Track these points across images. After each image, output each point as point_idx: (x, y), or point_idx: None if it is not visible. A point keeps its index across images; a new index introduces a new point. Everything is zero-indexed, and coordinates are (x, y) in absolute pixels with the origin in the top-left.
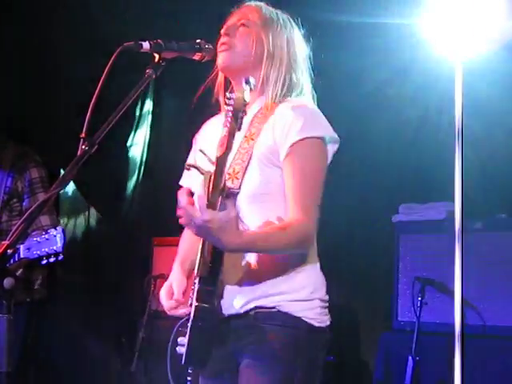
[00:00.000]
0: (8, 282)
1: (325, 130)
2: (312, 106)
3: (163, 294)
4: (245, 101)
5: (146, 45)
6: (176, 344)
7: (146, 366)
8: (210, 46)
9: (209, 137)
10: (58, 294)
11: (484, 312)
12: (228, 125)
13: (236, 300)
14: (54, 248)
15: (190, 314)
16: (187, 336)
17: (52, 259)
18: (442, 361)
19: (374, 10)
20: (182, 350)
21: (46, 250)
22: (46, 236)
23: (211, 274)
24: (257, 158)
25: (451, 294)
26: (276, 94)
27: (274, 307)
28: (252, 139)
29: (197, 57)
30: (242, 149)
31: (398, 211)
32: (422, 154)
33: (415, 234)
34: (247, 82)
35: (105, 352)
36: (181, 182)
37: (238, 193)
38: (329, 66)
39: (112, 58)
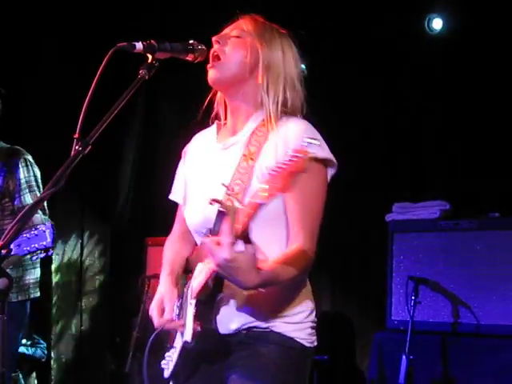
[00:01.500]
0: (2, 282)
1: (327, 153)
2: (311, 127)
3: (154, 309)
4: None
5: (139, 45)
6: (152, 352)
7: (140, 366)
8: (203, 47)
9: (197, 148)
10: (51, 294)
11: (478, 311)
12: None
13: (232, 323)
14: (44, 243)
15: (176, 330)
16: (177, 354)
17: (42, 255)
18: (435, 359)
19: None
20: (167, 365)
21: (36, 245)
22: (36, 232)
23: (210, 299)
24: (259, 179)
25: (445, 293)
26: (275, 110)
27: (267, 327)
28: (252, 159)
29: (190, 58)
30: (242, 168)
31: (392, 210)
32: (417, 153)
33: (409, 232)
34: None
35: (99, 352)
36: (171, 197)
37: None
38: (325, 68)
39: (105, 59)
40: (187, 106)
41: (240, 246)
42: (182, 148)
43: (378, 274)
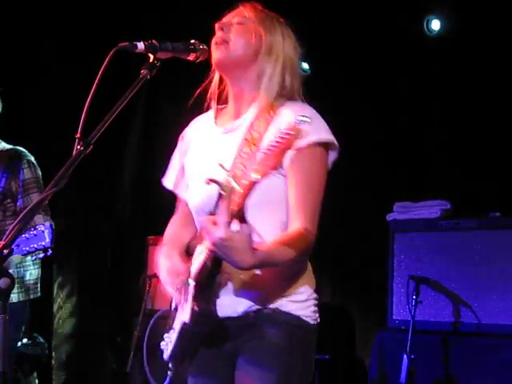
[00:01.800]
0: (4, 282)
1: (328, 135)
2: (312, 110)
3: (166, 272)
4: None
5: (140, 45)
6: (152, 336)
7: (142, 365)
8: (205, 47)
9: (196, 133)
10: (52, 293)
11: (479, 310)
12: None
13: (236, 304)
14: (43, 243)
15: (175, 307)
16: (176, 336)
17: (41, 255)
18: (436, 359)
19: None
20: (166, 346)
21: (35, 245)
22: (34, 232)
23: (209, 280)
24: None
25: (446, 292)
26: (271, 92)
27: (275, 307)
28: (254, 144)
29: (191, 57)
30: (244, 153)
31: (393, 209)
32: (417, 153)
33: (410, 232)
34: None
35: (100, 351)
36: (164, 182)
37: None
38: (324, 69)
39: (107, 59)
40: (190, 107)
41: (235, 225)
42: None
43: (378, 273)
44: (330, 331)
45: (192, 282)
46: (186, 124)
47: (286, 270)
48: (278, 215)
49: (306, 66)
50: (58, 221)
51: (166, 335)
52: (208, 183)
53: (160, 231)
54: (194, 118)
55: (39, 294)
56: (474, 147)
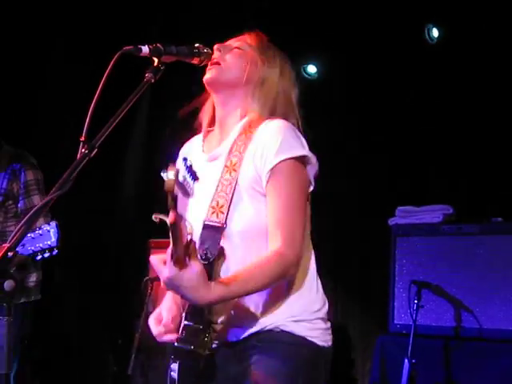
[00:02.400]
0: (8, 284)
1: (302, 149)
2: (288, 125)
3: (152, 320)
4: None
5: (145, 49)
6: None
7: (143, 368)
8: (209, 51)
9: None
10: (54, 295)
11: (480, 315)
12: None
13: (235, 329)
14: (49, 243)
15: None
16: (177, 368)
17: (47, 254)
18: (438, 363)
19: None
20: (174, 375)
21: (41, 245)
22: (40, 232)
23: (197, 311)
24: (244, 190)
25: (447, 297)
26: (253, 122)
27: (277, 328)
28: (234, 170)
29: (195, 61)
30: (225, 180)
31: (395, 214)
32: (420, 157)
33: (411, 236)
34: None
35: (101, 353)
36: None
37: (223, 228)
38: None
39: (112, 62)
40: (187, 112)
41: (186, 262)
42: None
43: (380, 277)
44: (332, 335)
45: (183, 314)
46: (190, 127)
47: (282, 290)
48: (266, 243)
49: (313, 69)
50: (59, 223)
51: (172, 365)
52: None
53: (162, 234)
54: (195, 122)
55: (40, 296)
56: (477, 152)
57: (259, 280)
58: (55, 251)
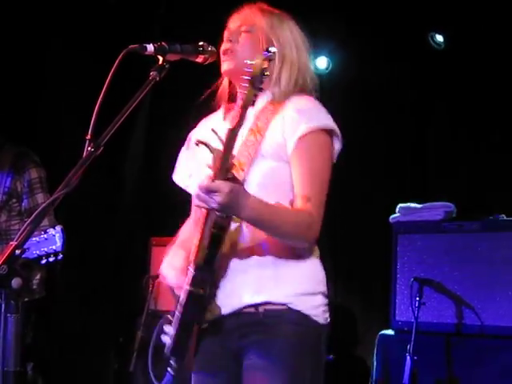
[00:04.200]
0: (16, 281)
1: (329, 122)
2: (316, 101)
3: (166, 267)
4: (264, 69)
5: (150, 47)
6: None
7: (145, 365)
8: (213, 49)
9: (204, 129)
10: (55, 293)
11: (482, 312)
12: (244, 96)
13: (241, 296)
14: (54, 247)
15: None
16: (174, 326)
17: (51, 259)
18: (439, 360)
19: None
20: (166, 339)
21: (45, 249)
22: (45, 236)
23: (207, 262)
24: (266, 153)
25: (449, 294)
26: (285, 94)
27: (284, 304)
28: (260, 133)
29: (200, 59)
30: (248, 141)
31: (396, 211)
32: (421, 155)
33: (413, 234)
34: (268, 51)
35: (103, 351)
36: (174, 178)
37: (242, 184)
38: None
39: (117, 61)
40: (192, 101)
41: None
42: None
43: (381, 274)
44: (333, 332)
45: (191, 267)
46: (192, 123)
47: (289, 256)
48: (283, 200)
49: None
50: (60, 220)
51: (165, 328)
52: (197, 145)
53: (163, 232)
54: (199, 117)
55: (44, 293)
56: (479, 149)
57: (288, 219)
58: (60, 256)
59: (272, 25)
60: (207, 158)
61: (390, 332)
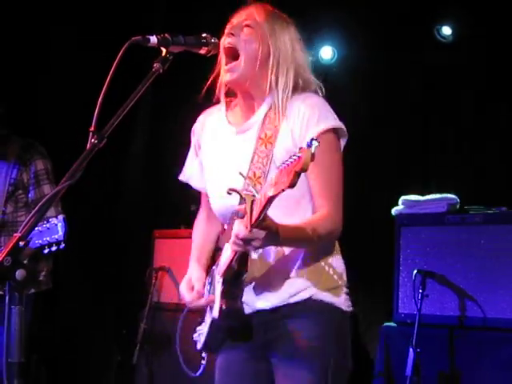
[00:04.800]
0: (20, 273)
1: (337, 121)
2: (320, 98)
3: (184, 287)
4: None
5: (153, 39)
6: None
7: (148, 357)
8: (216, 40)
9: (208, 129)
10: (58, 285)
11: (484, 304)
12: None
13: (266, 297)
14: (56, 237)
15: (207, 307)
16: (207, 329)
17: (54, 248)
18: (442, 352)
19: None
20: (198, 337)
21: (48, 239)
22: (48, 225)
23: (235, 279)
24: (279, 161)
25: (452, 286)
26: (286, 98)
27: (307, 297)
28: (270, 142)
29: (203, 51)
30: (260, 152)
31: (399, 203)
32: (424, 147)
33: (416, 226)
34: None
35: (106, 343)
36: (180, 178)
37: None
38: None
39: (120, 53)
40: (197, 99)
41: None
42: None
43: (385, 267)
44: None
45: (220, 280)
46: (194, 117)
47: (311, 258)
48: (300, 212)
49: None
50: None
51: (198, 328)
52: (229, 193)
53: (166, 225)
54: (201, 112)
55: (51, 285)
56: (482, 142)
57: (315, 235)
58: (62, 245)
59: (273, 27)
60: (222, 175)
61: (392, 324)
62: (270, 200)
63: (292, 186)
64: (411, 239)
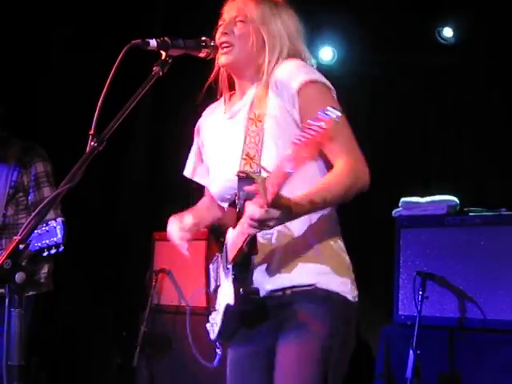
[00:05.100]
0: (20, 276)
1: (323, 78)
2: (302, 62)
3: (173, 220)
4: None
5: (152, 42)
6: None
7: (148, 360)
8: (216, 44)
9: (209, 125)
10: (58, 287)
11: (484, 306)
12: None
13: (270, 281)
14: (55, 239)
15: (214, 289)
16: (221, 317)
17: (53, 251)
18: (442, 354)
19: None
20: (211, 327)
21: (47, 241)
22: (47, 228)
23: (246, 262)
24: (271, 136)
25: (452, 288)
26: (270, 72)
27: (311, 285)
28: (259, 120)
29: (202, 54)
30: (251, 132)
31: (399, 205)
32: (424, 148)
33: (416, 228)
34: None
35: (106, 345)
36: (185, 173)
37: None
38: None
39: (120, 56)
40: (196, 95)
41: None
42: (192, 140)
43: (385, 269)
44: None
45: (230, 266)
46: (196, 117)
47: (319, 246)
48: (302, 185)
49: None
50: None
51: (210, 317)
52: (238, 176)
53: (166, 227)
54: (202, 107)
55: (52, 287)
56: (482, 143)
57: (338, 191)
58: (61, 248)
59: (263, 17)
60: (221, 160)
61: (393, 326)
62: (287, 176)
63: (312, 158)
64: (411, 241)
